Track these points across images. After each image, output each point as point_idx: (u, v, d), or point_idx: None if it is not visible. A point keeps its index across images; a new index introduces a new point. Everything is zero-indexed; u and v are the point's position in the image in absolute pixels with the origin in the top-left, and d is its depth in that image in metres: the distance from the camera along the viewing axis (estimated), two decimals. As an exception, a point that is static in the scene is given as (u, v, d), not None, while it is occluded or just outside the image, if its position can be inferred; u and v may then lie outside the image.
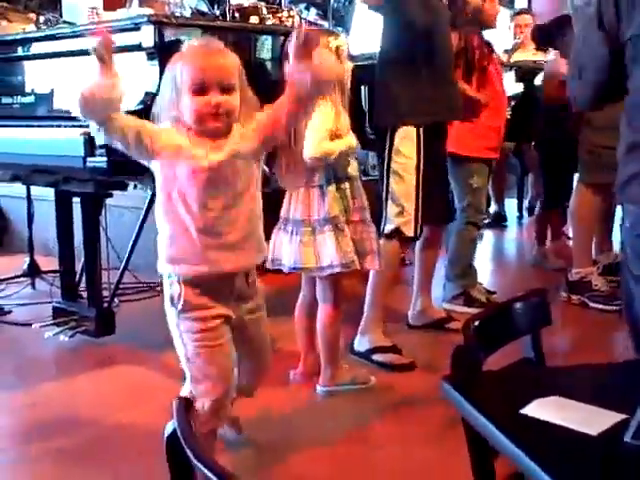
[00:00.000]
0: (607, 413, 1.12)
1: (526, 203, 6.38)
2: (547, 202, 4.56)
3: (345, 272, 2.49)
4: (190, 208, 1.74)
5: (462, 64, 3.40)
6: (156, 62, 2.45)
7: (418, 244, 3.28)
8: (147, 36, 2.45)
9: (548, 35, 4.62)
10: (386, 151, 2.92)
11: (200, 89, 1.71)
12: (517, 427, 1.11)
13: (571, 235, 5.06)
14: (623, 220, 1.74)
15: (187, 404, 1.34)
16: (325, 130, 2.40)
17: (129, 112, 2.41)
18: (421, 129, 2.88)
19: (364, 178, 2.66)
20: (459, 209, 3.53)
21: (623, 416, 1.09)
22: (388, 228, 2.93)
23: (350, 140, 2.49)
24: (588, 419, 1.10)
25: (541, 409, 1.15)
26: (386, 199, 2.96)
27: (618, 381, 1.33)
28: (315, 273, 2.51)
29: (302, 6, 4.72)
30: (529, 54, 5.72)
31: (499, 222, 6.04)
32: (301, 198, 2.47)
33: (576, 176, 3.89)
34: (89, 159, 2.41)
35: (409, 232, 2.93)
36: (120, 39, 2.59)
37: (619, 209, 4.40)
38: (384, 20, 2.94)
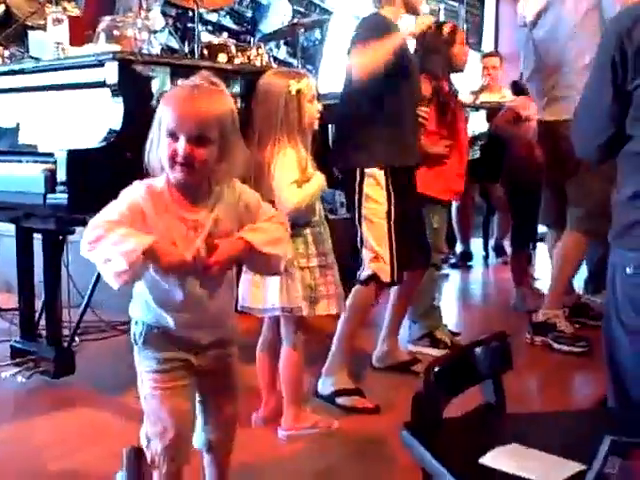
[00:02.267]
0: (566, 463, 1.11)
1: (492, 243, 6.42)
2: (516, 244, 4.60)
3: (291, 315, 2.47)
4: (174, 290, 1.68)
5: (435, 108, 3.42)
6: (120, 99, 2.43)
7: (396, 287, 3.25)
8: (111, 73, 2.43)
9: None
10: (356, 197, 2.91)
11: (173, 134, 1.61)
12: (475, 478, 1.10)
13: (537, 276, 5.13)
14: (615, 266, 1.69)
15: (138, 453, 1.31)
16: (293, 181, 2.41)
17: (91, 149, 2.41)
18: (388, 172, 2.87)
19: (332, 217, 2.64)
20: None
21: (581, 467, 1.07)
22: (364, 274, 2.91)
23: (319, 179, 2.49)
24: (546, 469, 1.09)
25: (500, 458, 1.14)
26: (361, 245, 2.94)
27: (578, 429, 1.32)
28: (257, 314, 2.54)
29: (272, 44, 4.77)
30: (496, 96, 5.82)
31: (465, 262, 6.07)
32: None
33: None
34: (49, 195, 2.37)
35: (385, 277, 2.89)
36: (84, 75, 2.60)
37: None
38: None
